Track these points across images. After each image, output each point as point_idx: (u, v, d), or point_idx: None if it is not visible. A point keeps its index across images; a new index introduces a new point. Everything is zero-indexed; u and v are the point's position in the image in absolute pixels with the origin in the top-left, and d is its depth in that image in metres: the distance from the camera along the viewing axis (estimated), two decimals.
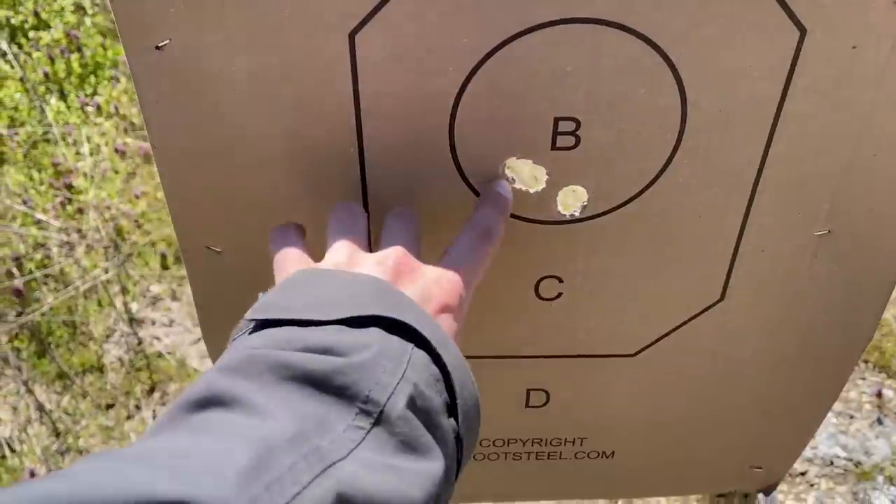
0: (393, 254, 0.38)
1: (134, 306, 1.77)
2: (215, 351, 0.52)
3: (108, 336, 1.71)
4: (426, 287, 0.37)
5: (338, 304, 0.33)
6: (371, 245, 0.41)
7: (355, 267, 0.37)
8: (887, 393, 1.49)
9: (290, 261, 0.39)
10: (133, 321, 1.72)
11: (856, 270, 0.49)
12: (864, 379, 1.53)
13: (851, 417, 1.46)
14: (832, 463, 1.39)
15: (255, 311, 0.35)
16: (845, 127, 0.42)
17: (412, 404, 0.31)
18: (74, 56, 2.18)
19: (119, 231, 1.87)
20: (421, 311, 0.34)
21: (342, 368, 0.30)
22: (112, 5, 0.37)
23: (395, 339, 0.32)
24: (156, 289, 1.82)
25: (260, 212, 0.45)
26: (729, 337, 0.52)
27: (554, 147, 0.42)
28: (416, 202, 0.44)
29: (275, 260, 0.40)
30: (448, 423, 0.33)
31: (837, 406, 1.48)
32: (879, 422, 1.45)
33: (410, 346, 0.33)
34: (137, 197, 1.92)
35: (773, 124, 0.42)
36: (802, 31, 0.38)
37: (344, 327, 0.32)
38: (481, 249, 0.40)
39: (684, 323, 0.51)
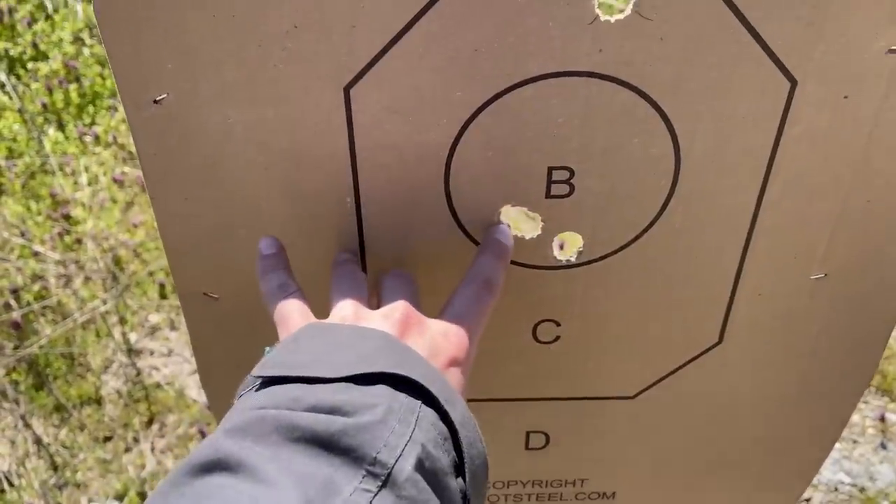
0: (399, 307, 0.38)
1: (132, 336, 1.77)
2: (213, 395, 0.52)
3: (106, 367, 1.70)
4: (434, 341, 0.37)
5: (345, 359, 0.33)
6: (373, 304, 0.41)
7: (362, 321, 0.37)
8: (891, 417, 1.49)
9: (294, 315, 0.39)
10: (131, 352, 1.72)
11: (853, 313, 0.49)
12: (866, 403, 1.52)
13: (855, 442, 1.45)
14: (836, 489, 1.38)
15: (262, 368, 0.34)
16: (838, 174, 0.42)
17: (420, 466, 0.30)
18: (73, 86, 2.19)
19: (117, 261, 1.87)
20: (429, 366, 0.34)
21: (349, 429, 0.30)
22: (111, 61, 0.38)
23: (403, 397, 0.32)
24: (154, 318, 1.82)
25: (255, 259, 0.45)
26: (728, 379, 0.52)
27: (549, 195, 0.43)
28: (413, 251, 0.45)
29: (276, 312, 0.40)
30: (456, 484, 0.32)
31: None
32: (883, 446, 1.44)
33: (419, 403, 0.32)
34: (136, 226, 1.93)
35: (767, 171, 0.42)
36: (793, 82, 0.39)
37: (351, 384, 0.32)
38: (483, 300, 0.41)
39: (683, 365, 0.51)
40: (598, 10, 0.37)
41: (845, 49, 0.38)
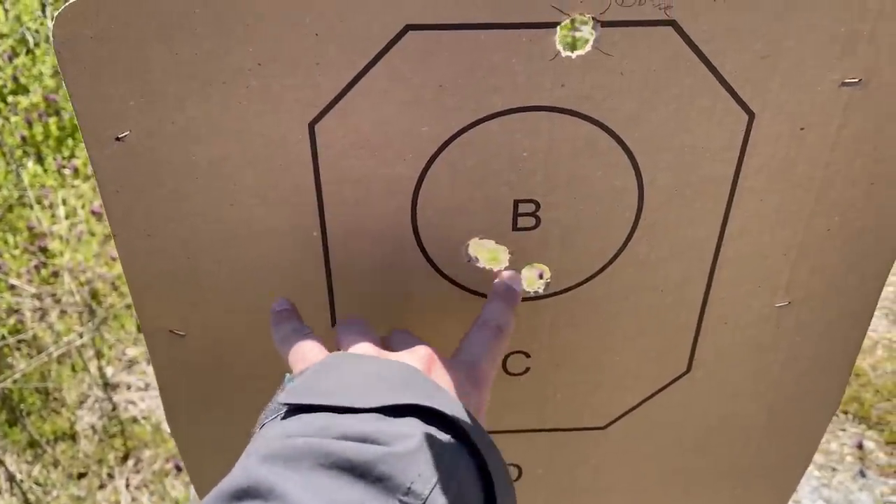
0: (421, 348, 0.38)
1: (109, 370, 1.74)
2: (180, 434, 0.51)
3: (81, 402, 1.67)
4: (458, 381, 0.37)
5: (374, 390, 0.33)
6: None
7: (386, 357, 0.37)
8: (868, 444, 1.49)
9: (313, 350, 0.39)
10: (108, 386, 1.69)
11: (818, 341, 0.49)
12: (844, 430, 1.53)
13: (833, 470, 1.46)
14: None
15: (289, 395, 0.34)
16: (799, 203, 0.43)
17: (453, 498, 0.30)
18: (52, 119, 2.19)
19: (94, 294, 1.85)
20: (457, 402, 0.34)
21: (384, 458, 0.29)
22: (71, 99, 0.38)
23: (434, 430, 0.32)
24: (132, 352, 1.80)
25: (223, 295, 0.45)
26: (697, 407, 0.52)
27: (515, 228, 0.43)
28: (382, 285, 0.45)
29: (293, 352, 0.40)
30: None
31: (819, 459, 1.47)
32: (862, 474, 1.44)
33: (450, 437, 0.32)
34: (114, 259, 1.91)
35: (729, 201, 0.43)
36: (751, 115, 0.40)
37: (381, 415, 0.32)
38: (497, 346, 0.41)
39: (653, 395, 0.51)
40: (559, 47, 0.37)
41: (800, 82, 0.39)
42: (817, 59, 0.38)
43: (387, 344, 0.40)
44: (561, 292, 0.46)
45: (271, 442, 0.31)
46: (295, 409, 0.33)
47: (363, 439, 0.30)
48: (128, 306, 1.85)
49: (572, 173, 0.41)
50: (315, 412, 0.32)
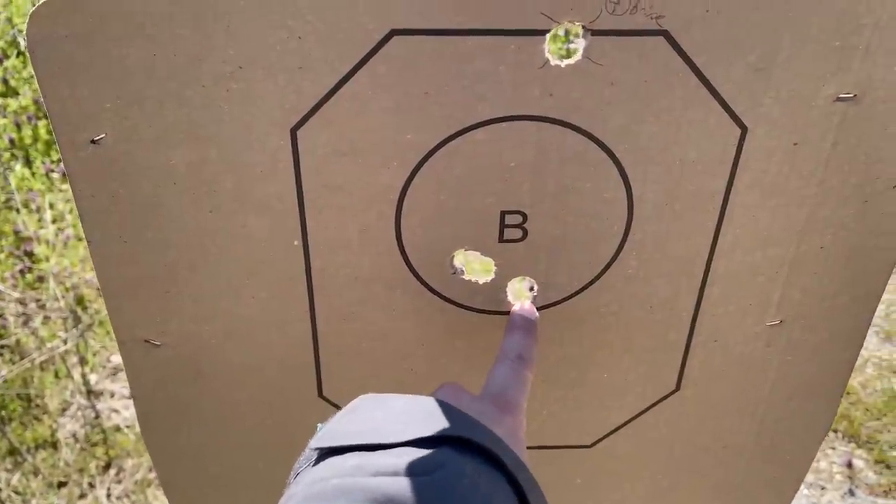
0: (448, 384, 0.38)
1: (93, 378, 1.72)
2: (154, 446, 0.50)
3: (63, 410, 1.65)
4: (486, 410, 0.37)
5: (404, 425, 0.32)
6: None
7: (413, 395, 0.37)
8: (858, 463, 1.48)
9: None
10: (91, 393, 1.67)
11: (809, 361, 0.48)
12: (833, 449, 1.52)
13: (823, 489, 1.45)
14: None
15: (319, 440, 0.33)
16: (791, 219, 0.42)
17: None
18: (42, 122, 2.17)
19: (80, 300, 1.83)
20: (489, 430, 0.33)
21: (424, 488, 0.28)
22: (45, 100, 0.36)
23: (469, 459, 0.31)
24: (116, 359, 1.77)
25: (201, 304, 0.43)
26: (686, 426, 0.51)
27: (502, 239, 0.42)
28: (365, 296, 0.43)
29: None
30: None
31: (808, 477, 1.46)
32: (851, 493, 1.43)
33: (482, 462, 0.31)
34: None
35: (720, 217, 0.42)
36: (743, 129, 0.39)
37: (413, 448, 0.31)
38: (520, 374, 0.40)
39: (641, 413, 0.50)
40: (548, 55, 0.36)
41: (794, 96, 0.38)
42: (812, 72, 0.37)
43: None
44: (548, 306, 0.45)
45: (305, 489, 0.30)
46: (327, 454, 0.32)
47: (397, 474, 0.29)
48: None
49: (560, 185, 0.40)
50: (346, 453, 0.31)
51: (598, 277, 0.44)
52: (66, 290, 1.82)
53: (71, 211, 2.02)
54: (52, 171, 2.11)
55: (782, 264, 0.44)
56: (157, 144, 0.38)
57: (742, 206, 0.41)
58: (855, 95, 0.38)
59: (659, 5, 0.35)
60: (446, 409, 0.34)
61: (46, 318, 1.77)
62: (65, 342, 1.73)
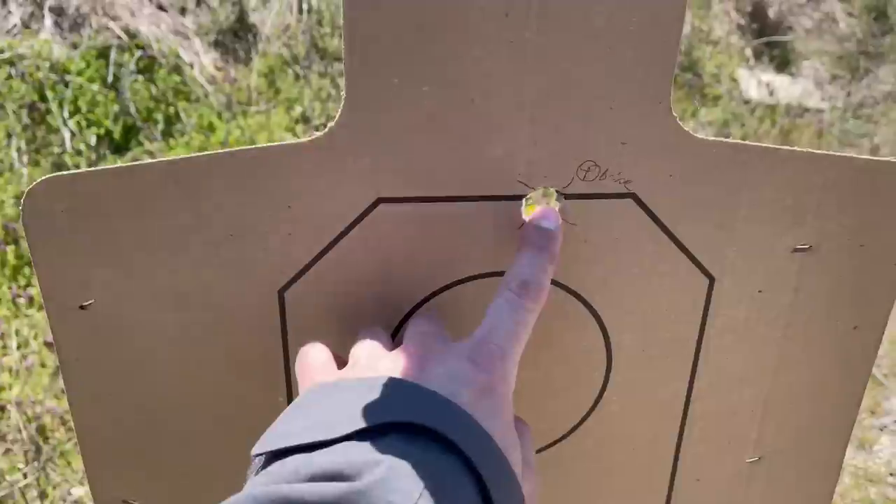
0: (413, 340, 0.34)
1: None
2: None
3: None
4: (455, 370, 0.32)
5: (348, 415, 0.29)
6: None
7: (371, 370, 0.33)
8: None
9: (311, 371, 0.35)
10: None
11: (790, 495, 0.49)
12: None
13: None
14: None
15: (260, 445, 0.31)
16: (762, 361, 0.44)
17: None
18: (10, 248, 2.16)
19: (42, 430, 1.77)
20: (446, 403, 0.30)
21: (346, 497, 0.26)
22: (35, 266, 0.37)
23: (413, 449, 0.28)
24: (77, 492, 1.70)
25: (183, 464, 0.43)
26: None
27: None
28: None
29: (297, 373, 0.36)
30: None
31: None
32: None
33: (435, 451, 0.28)
34: (64, 392, 1.84)
35: (695, 361, 0.43)
36: (711, 279, 0.41)
37: (355, 442, 0.28)
38: (519, 309, 0.35)
39: None
40: (524, 217, 0.38)
41: (756, 248, 0.40)
42: (770, 228, 0.40)
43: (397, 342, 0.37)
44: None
45: (238, 499, 0.27)
46: (271, 458, 0.30)
47: (332, 477, 0.27)
48: (75, 442, 1.76)
49: (541, 336, 0.41)
50: (287, 456, 0.29)
51: (581, 422, 0.44)
52: (29, 420, 1.76)
53: (36, 337, 1.98)
54: (19, 296, 2.08)
55: (757, 402, 0.45)
56: (147, 309, 0.38)
57: (715, 350, 0.43)
58: (810, 247, 0.41)
59: (627, 171, 0.38)
60: (400, 387, 0.31)
61: (8, 450, 1.70)
62: (24, 476, 1.66)
